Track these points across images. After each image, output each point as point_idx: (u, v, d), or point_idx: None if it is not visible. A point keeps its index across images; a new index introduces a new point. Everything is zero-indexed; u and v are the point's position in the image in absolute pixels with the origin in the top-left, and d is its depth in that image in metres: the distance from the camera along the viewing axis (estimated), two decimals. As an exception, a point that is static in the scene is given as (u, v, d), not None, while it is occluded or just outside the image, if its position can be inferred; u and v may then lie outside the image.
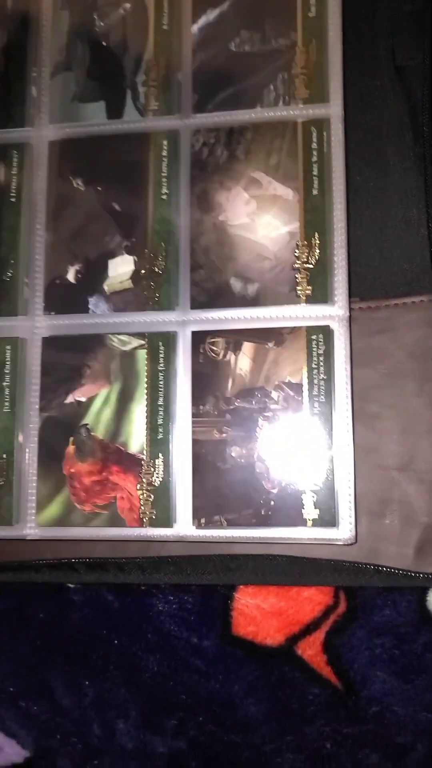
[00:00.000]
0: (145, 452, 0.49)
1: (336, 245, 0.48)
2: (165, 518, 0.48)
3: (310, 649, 0.49)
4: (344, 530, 0.46)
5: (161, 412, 0.49)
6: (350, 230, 0.49)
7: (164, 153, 0.52)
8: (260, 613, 0.49)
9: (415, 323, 0.49)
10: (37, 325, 0.52)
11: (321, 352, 0.47)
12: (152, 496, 0.48)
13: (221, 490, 0.47)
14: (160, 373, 0.49)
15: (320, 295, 0.48)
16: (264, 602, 0.49)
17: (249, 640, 0.50)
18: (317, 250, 0.48)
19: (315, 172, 0.49)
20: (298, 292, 0.48)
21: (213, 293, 0.49)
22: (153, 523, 0.48)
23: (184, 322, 0.50)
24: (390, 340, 0.49)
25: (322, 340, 0.47)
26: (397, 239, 0.50)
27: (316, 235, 0.48)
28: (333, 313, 0.48)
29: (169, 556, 0.49)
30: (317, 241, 0.48)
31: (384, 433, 0.48)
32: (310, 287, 0.48)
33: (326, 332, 0.47)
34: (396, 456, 0.47)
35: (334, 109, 0.50)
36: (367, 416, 0.48)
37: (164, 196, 0.51)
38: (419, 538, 0.46)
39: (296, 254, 0.49)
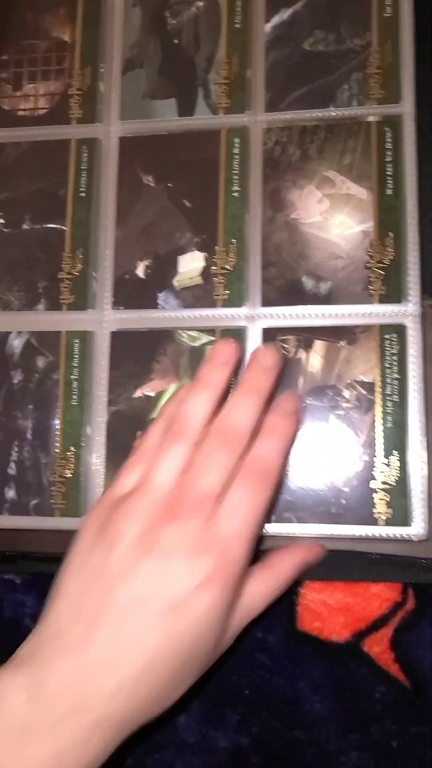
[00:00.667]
0: (214, 448, 0.49)
1: (410, 242, 0.48)
2: (233, 514, 0.48)
3: (377, 647, 0.49)
4: (417, 527, 0.46)
5: (231, 408, 0.49)
6: (422, 227, 0.49)
7: (236, 151, 0.52)
8: (326, 609, 0.49)
9: None
10: (105, 319, 0.52)
11: (395, 351, 0.47)
12: (221, 492, 0.48)
13: (291, 488, 0.47)
14: (230, 370, 0.49)
15: (394, 294, 0.48)
16: (330, 598, 0.49)
17: (314, 636, 0.49)
18: (391, 250, 0.48)
19: (389, 172, 0.49)
20: (371, 291, 0.48)
21: (285, 291, 0.50)
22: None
23: (254, 318, 0.50)
24: (461, 336, 0.49)
25: (395, 339, 0.47)
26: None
27: (390, 234, 0.49)
28: (407, 311, 0.48)
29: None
30: (391, 241, 0.48)
31: (456, 430, 0.48)
32: (384, 287, 0.48)
33: (400, 331, 0.48)
34: (468, 452, 0.47)
35: (407, 109, 0.50)
36: (438, 413, 0.48)
37: (235, 194, 0.51)
38: None
39: (370, 253, 0.49)
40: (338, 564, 0.48)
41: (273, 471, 0.42)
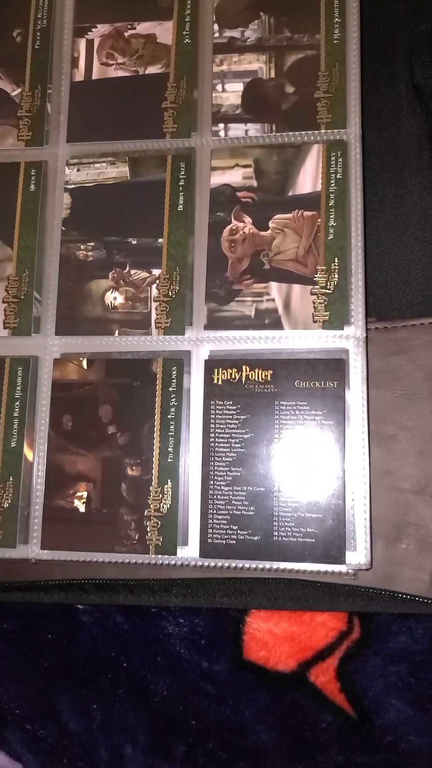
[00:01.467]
0: None
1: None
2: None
3: (323, 676, 0.48)
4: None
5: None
6: (368, 250, 0.49)
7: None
8: (272, 638, 0.49)
9: (433, 344, 0.48)
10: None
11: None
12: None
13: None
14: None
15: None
16: (276, 627, 0.49)
17: (260, 665, 0.49)
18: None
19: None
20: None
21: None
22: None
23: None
24: (407, 360, 0.48)
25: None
26: (415, 259, 0.49)
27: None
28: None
29: (180, 579, 0.49)
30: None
31: (400, 455, 0.47)
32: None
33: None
34: (412, 479, 0.47)
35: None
36: (383, 438, 0.48)
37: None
38: (435, 564, 0.46)
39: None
40: (283, 593, 0.47)
41: None
